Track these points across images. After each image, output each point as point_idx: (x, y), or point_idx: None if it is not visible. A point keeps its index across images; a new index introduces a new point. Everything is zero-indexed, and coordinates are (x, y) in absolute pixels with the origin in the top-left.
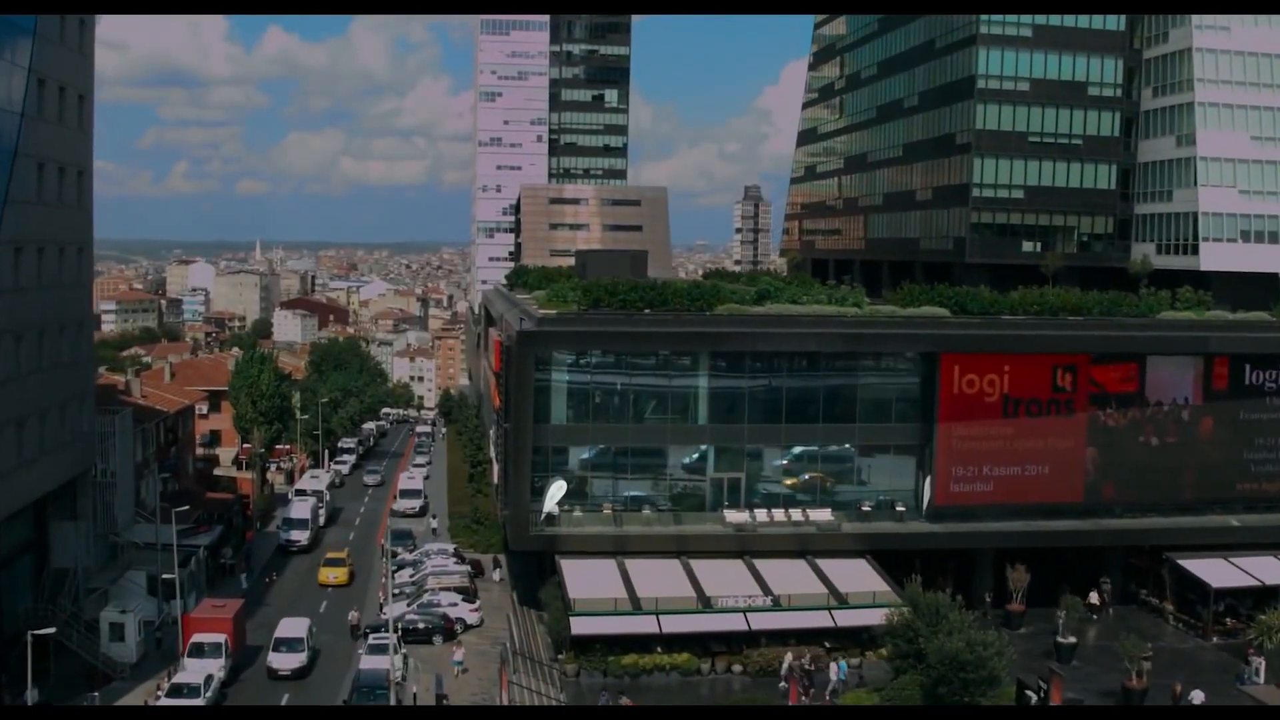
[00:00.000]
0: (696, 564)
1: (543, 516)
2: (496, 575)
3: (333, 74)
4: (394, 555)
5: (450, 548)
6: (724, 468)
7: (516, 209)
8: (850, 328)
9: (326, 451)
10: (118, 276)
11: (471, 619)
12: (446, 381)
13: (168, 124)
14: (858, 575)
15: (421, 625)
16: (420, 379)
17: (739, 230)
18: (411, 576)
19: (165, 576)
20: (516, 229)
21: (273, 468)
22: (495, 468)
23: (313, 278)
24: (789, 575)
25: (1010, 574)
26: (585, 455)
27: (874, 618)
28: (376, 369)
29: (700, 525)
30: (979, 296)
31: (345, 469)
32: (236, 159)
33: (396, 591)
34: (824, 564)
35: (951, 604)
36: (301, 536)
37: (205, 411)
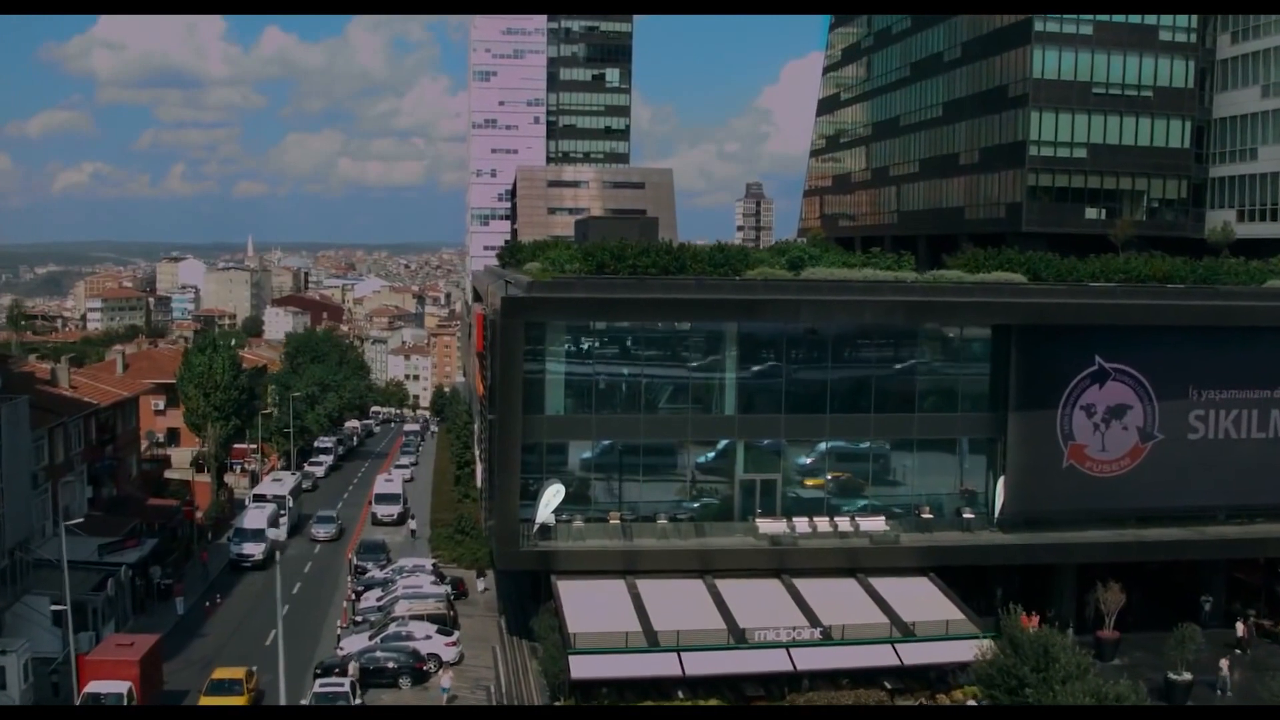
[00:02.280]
0: (724, 586)
1: (535, 528)
2: (481, 586)
3: (330, 74)
4: (362, 572)
5: (428, 563)
6: (755, 468)
7: (512, 194)
8: (913, 295)
9: (296, 452)
10: (106, 275)
11: (448, 655)
12: (443, 379)
13: (165, 126)
14: (922, 598)
15: (388, 664)
16: (416, 377)
17: (740, 229)
18: (379, 600)
19: (55, 608)
20: (512, 215)
21: (237, 469)
22: (479, 469)
23: (306, 274)
24: (838, 599)
25: (1100, 593)
26: (587, 453)
27: (947, 653)
28: (358, 362)
29: (728, 537)
30: (1054, 262)
31: (321, 471)
32: (234, 160)
33: (359, 620)
34: (879, 584)
35: (1061, 639)
36: (255, 550)
37: (162, 407)
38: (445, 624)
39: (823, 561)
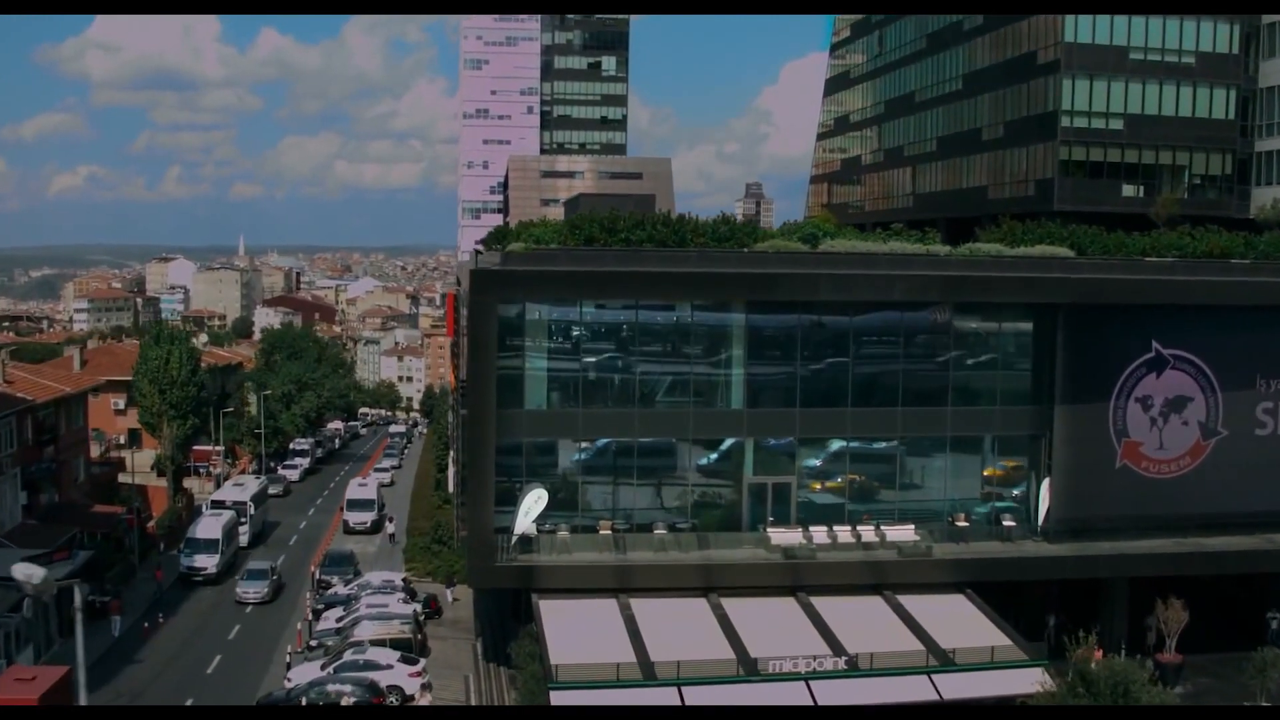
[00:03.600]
0: (732, 606)
1: (513, 539)
2: (450, 597)
3: (327, 76)
4: (325, 587)
5: (398, 578)
6: (766, 470)
7: (504, 186)
8: (950, 269)
9: (270, 455)
10: (95, 276)
11: (411, 687)
12: (436, 381)
13: (160, 128)
14: (961, 620)
15: (341, 698)
16: (409, 379)
17: None
18: (339, 621)
19: None
20: (505, 208)
21: (202, 473)
22: (452, 472)
23: (298, 275)
24: (864, 621)
25: (1160, 612)
26: (574, 454)
27: (995, 685)
28: (338, 359)
29: (735, 550)
30: (1099, 237)
31: (295, 475)
32: (230, 163)
33: (314, 644)
34: (910, 603)
35: (1140, 672)
36: (208, 563)
37: (122, 406)
38: (411, 650)
39: (844, 576)
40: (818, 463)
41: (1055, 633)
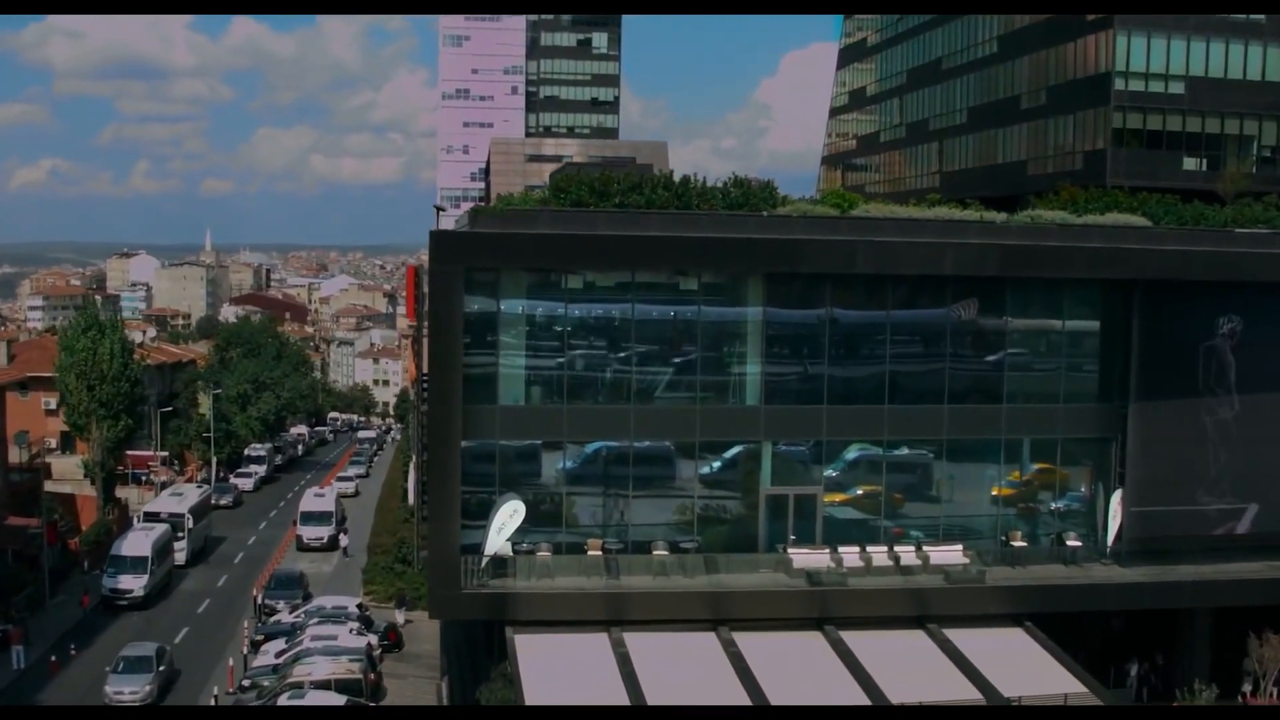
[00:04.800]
0: (746, 642)
1: (484, 561)
2: (401, 619)
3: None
4: (270, 613)
5: (353, 604)
6: (787, 478)
7: (486, 171)
8: (1010, 238)
9: (223, 461)
10: (52, 273)
11: None
12: (412, 384)
13: (128, 119)
14: (1021, 658)
15: None
16: (385, 382)
17: None
18: (279, 655)
19: None
20: (486, 195)
21: (143, 481)
22: (412, 479)
23: (268, 272)
24: (906, 661)
25: (1253, 649)
26: (559, 460)
27: None
28: (300, 357)
29: (750, 574)
30: (1174, 206)
31: (249, 484)
32: (201, 156)
33: (246, 684)
34: (960, 639)
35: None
36: (135, 585)
37: (54, 405)
38: (361, 693)
39: (881, 607)
40: (848, 470)
41: (1141, 678)
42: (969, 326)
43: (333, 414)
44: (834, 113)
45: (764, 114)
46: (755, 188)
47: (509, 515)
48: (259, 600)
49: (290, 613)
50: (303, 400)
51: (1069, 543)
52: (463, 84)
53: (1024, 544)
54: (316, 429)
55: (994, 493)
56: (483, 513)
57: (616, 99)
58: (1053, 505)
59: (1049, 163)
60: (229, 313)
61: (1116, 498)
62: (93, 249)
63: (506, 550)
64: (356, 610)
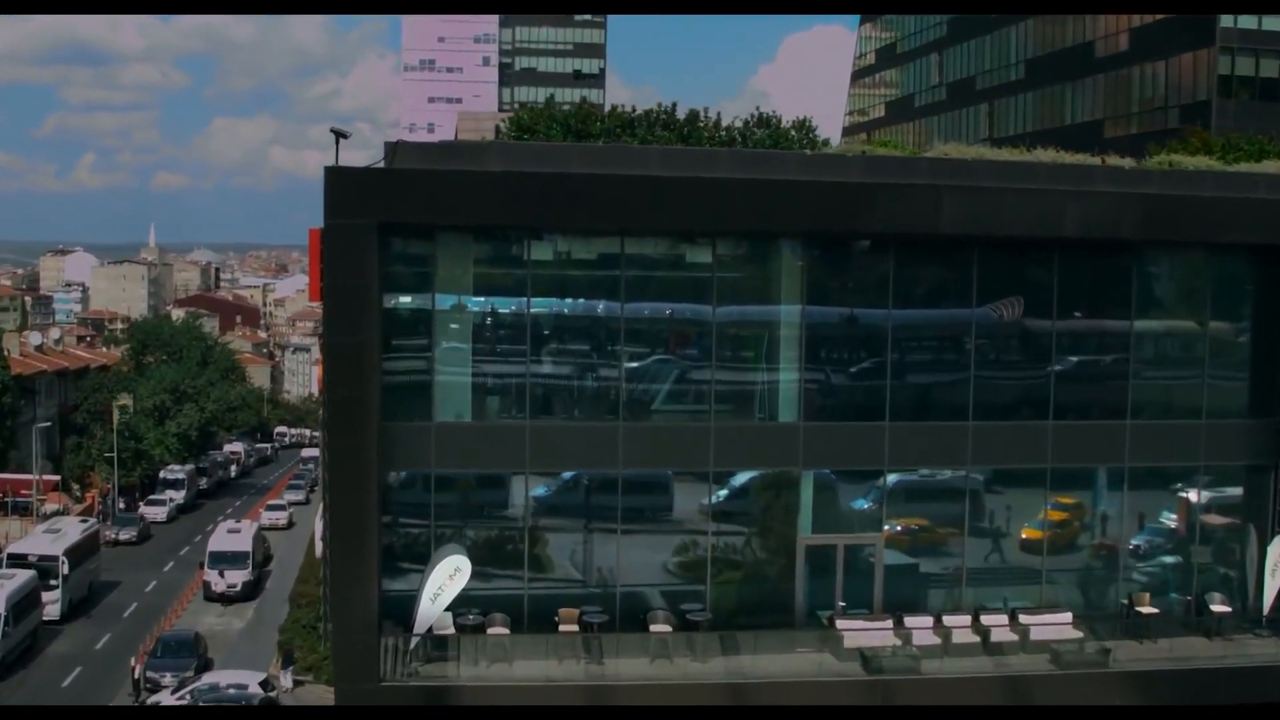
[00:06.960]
0: None
1: (413, 641)
2: (286, 683)
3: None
4: (151, 689)
5: (256, 680)
6: (834, 522)
7: None
8: (1154, 186)
9: (116, 487)
10: None
11: None
12: None
13: (72, 108)
14: None
15: None
16: None
17: None
18: None
19: None
20: None
21: (26, 511)
22: (320, 527)
23: (217, 271)
24: None
25: None
26: (521, 497)
27: None
28: (230, 363)
29: (783, 656)
30: None
31: (161, 514)
32: (152, 149)
33: None
34: None
35: None
36: None
37: None
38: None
39: (962, 695)
40: (912, 506)
41: None
42: (1074, 322)
43: (280, 428)
44: (856, 77)
45: (763, 102)
46: (787, 128)
47: (448, 576)
48: (137, 673)
49: (174, 692)
50: (234, 413)
51: (1213, 607)
52: (427, 54)
53: (1154, 610)
54: (258, 446)
55: (1114, 538)
56: (415, 565)
57: (602, 71)
58: (1190, 557)
59: (1134, 120)
60: (174, 316)
61: (1276, 546)
62: (35, 249)
63: (446, 624)
64: (260, 688)
